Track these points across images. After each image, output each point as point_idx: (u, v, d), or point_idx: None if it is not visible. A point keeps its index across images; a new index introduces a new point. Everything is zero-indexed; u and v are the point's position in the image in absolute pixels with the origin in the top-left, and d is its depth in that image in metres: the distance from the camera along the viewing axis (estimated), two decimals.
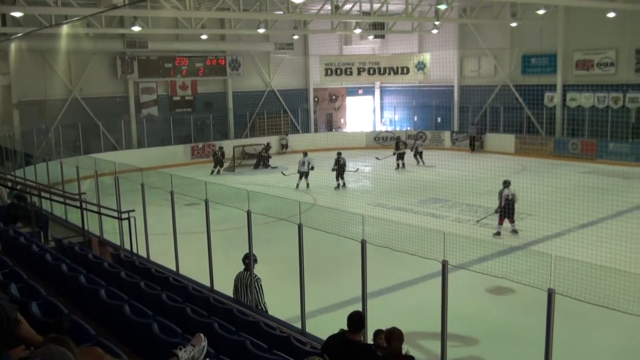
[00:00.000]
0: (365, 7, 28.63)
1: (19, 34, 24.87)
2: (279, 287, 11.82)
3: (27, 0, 20.44)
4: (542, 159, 31.45)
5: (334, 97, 41.25)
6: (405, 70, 38.90)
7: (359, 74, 39.46)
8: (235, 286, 10.97)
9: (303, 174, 25.84)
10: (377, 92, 42.21)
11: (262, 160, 31.88)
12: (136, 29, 25.40)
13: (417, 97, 39.56)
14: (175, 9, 22.44)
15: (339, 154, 25.64)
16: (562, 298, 6.96)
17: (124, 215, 13.71)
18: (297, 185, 25.76)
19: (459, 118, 37.82)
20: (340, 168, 25.31)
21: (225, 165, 31.44)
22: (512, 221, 18.16)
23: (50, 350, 3.90)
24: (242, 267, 10.88)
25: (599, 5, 26.09)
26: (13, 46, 27.96)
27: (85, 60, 31.22)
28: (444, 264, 7.85)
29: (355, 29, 32.79)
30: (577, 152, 31.48)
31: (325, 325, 8.14)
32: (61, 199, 16.44)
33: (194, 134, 34.90)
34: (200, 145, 34.38)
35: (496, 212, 18.33)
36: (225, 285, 11.36)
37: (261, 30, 29.63)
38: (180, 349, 4.80)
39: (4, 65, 28.40)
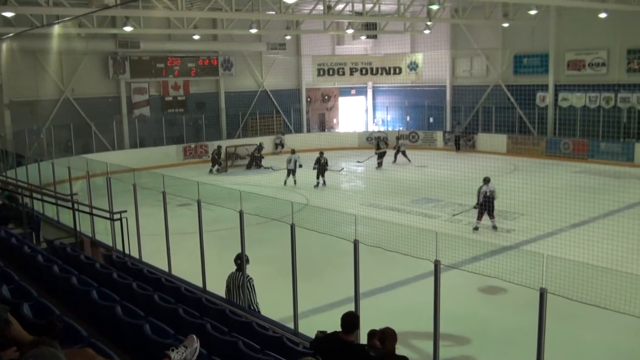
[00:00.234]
0: (358, 7, 28.65)
1: (10, 34, 24.79)
2: (272, 288, 11.81)
3: (18, 0, 20.36)
4: (534, 158, 31.55)
5: (326, 97, 41.26)
6: (397, 71, 38.93)
7: (351, 74, 39.46)
8: (228, 287, 10.96)
9: (290, 171, 26.58)
10: (370, 92, 42.25)
11: (254, 160, 31.86)
12: (128, 29, 25.33)
13: (410, 97, 39.60)
14: (167, 9, 22.38)
15: (321, 153, 26.42)
16: (555, 297, 6.97)
17: (116, 216, 13.69)
18: (285, 182, 26.65)
19: (452, 118, 37.90)
20: (321, 167, 26.15)
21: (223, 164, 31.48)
22: (492, 217, 18.51)
23: (42, 351, 3.89)
24: (234, 267, 10.87)
25: (591, 5, 26.17)
26: (4, 46, 27.85)
27: (77, 60, 31.13)
28: (436, 264, 7.86)
29: (347, 29, 32.82)
30: (569, 151, 31.58)
31: (318, 326, 8.13)
32: (53, 200, 16.40)
33: (187, 134, 34.82)
34: (193, 145, 34.31)
35: (475, 207, 18.77)
36: (217, 286, 11.34)
37: (253, 31, 29.60)
38: (173, 350, 4.79)
39: None
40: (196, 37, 32.42)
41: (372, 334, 7.07)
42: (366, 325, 7.36)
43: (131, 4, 20.80)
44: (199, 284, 11.70)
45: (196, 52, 34.96)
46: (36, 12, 22.54)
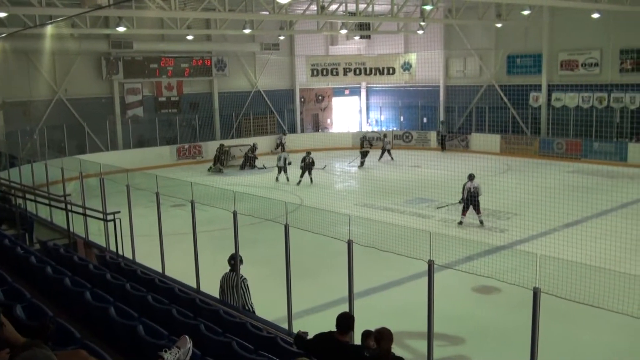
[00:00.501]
0: (351, 7, 28.66)
1: (3, 35, 24.68)
2: (266, 288, 11.79)
3: (11, 0, 20.29)
4: (528, 158, 31.61)
5: (320, 97, 41.26)
6: (391, 71, 38.95)
7: (345, 74, 39.45)
8: (222, 287, 10.94)
9: (281, 169, 27.74)
10: (363, 93, 42.28)
11: (248, 161, 31.82)
12: (121, 29, 25.27)
13: (403, 97, 39.66)
14: (160, 9, 22.33)
15: (308, 153, 27.27)
16: (549, 297, 6.99)
17: (110, 217, 13.65)
18: (277, 178, 27.89)
19: (445, 118, 37.96)
20: (306, 166, 26.94)
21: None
22: (478, 212, 19.03)
23: (34, 353, 3.87)
24: (228, 268, 10.85)
25: (584, 5, 26.25)
26: None
27: (70, 60, 31.04)
28: (430, 264, 7.87)
29: (341, 29, 32.83)
30: (562, 151, 31.67)
31: (312, 326, 8.13)
32: (46, 201, 16.34)
33: (180, 135, 34.77)
34: (186, 146, 34.27)
35: (460, 203, 19.32)
36: (211, 287, 11.33)
37: (247, 31, 29.56)
38: (166, 351, 4.78)
39: None
40: (189, 37, 32.39)
41: (366, 334, 7.07)
42: (361, 325, 7.36)
43: (124, 4, 20.76)
44: (193, 284, 11.68)
45: (189, 52, 34.92)
46: (29, 13, 22.47)
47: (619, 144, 29.80)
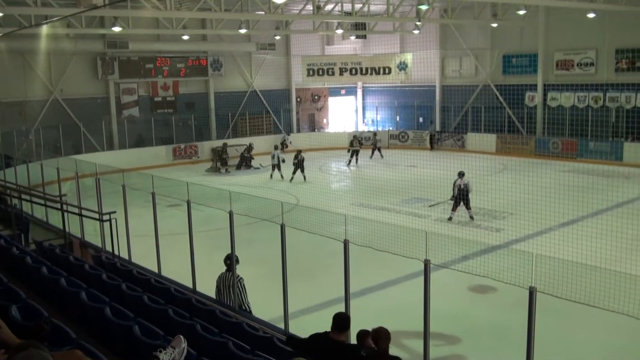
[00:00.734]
0: (347, 7, 28.64)
1: None
2: (262, 288, 11.79)
3: (6, 0, 20.24)
4: (523, 158, 31.66)
5: (316, 97, 41.26)
6: (387, 71, 38.95)
7: (341, 74, 39.45)
8: (218, 287, 10.93)
9: (275, 166, 28.41)
10: (360, 92, 42.29)
11: (244, 160, 31.81)
12: (117, 29, 25.23)
13: (399, 97, 39.69)
14: (155, 9, 22.30)
15: (299, 152, 28.15)
16: (544, 296, 7.00)
17: (105, 217, 13.62)
18: (271, 175, 28.56)
19: (441, 118, 38.01)
20: (298, 163, 27.74)
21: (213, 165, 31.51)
22: (468, 208, 19.54)
23: (30, 354, 3.86)
24: (224, 268, 10.84)
25: (579, 5, 26.29)
26: None
27: (65, 60, 30.99)
28: (426, 263, 7.87)
29: (337, 29, 32.83)
30: (558, 151, 31.72)
31: (309, 326, 8.13)
32: (42, 201, 16.32)
33: (176, 135, 34.73)
34: (182, 146, 34.23)
35: (451, 199, 19.71)
36: (207, 287, 11.32)
37: (243, 31, 29.53)
38: (161, 351, 4.78)
39: None
40: (185, 37, 32.34)
41: (362, 334, 7.06)
42: (357, 325, 7.36)
43: (119, 4, 20.73)
44: (189, 284, 11.67)
45: (185, 52, 34.88)
46: (24, 13, 22.41)
47: (614, 144, 29.86)
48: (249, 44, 36.47)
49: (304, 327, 9.22)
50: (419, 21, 30.35)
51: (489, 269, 8.84)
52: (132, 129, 33.51)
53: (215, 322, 8.21)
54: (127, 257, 13.53)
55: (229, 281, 10.58)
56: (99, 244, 14.13)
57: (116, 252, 13.53)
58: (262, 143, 35.71)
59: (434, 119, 38.02)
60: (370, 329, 7.05)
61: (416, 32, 34.54)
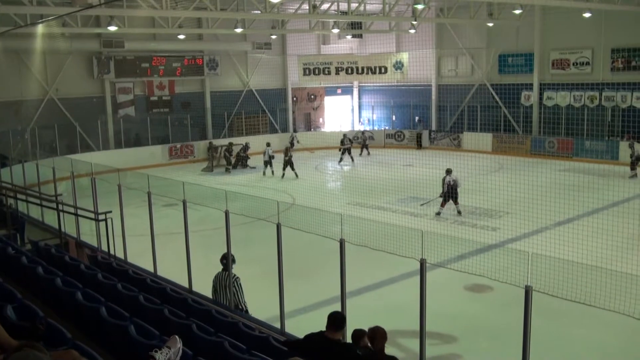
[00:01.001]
0: (343, 6, 28.64)
1: None
2: (258, 288, 11.77)
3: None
4: (520, 157, 31.68)
5: (312, 96, 41.25)
6: (383, 70, 38.95)
7: (337, 73, 39.43)
8: (214, 287, 10.92)
9: (266, 163, 29.24)
10: (356, 92, 42.30)
11: (240, 160, 31.79)
12: (112, 28, 25.19)
13: (395, 96, 39.71)
14: (151, 8, 22.27)
15: (287, 148, 29.06)
16: (540, 295, 7.00)
17: (101, 217, 13.61)
18: (264, 172, 29.33)
19: (437, 117, 38.04)
20: (288, 160, 28.39)
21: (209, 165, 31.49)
22: (456, 203, 20.13)
23: (26, 354, 3.85)
24: (220, 267, 10.83)
25: (575, 5, 26.32)
26: None
27: (61, 60, 30.92)
28: (422, 263, 7.86)
29: (333, 28, 32.83)
30: (554, 150, 31.77)
31: (305, 325, 8.12)
32: (37, 201, 16.29)
33: (172, 134, 34.69)
34: (178, 145, 34.20)
35: (440, 196, 20.24)
36: (204, 286, 11.30)
37: (239, 30, 29.53)
38: (156, 351, 4.77)
39: None
40: (181, 36, 32.29)
41: (358, 334, 7.06)
42: (353, 324, 7.36)
43: (115, 3, 20.71)
44: (185, 284, 11.65)
45: (181, 51, 34.83)
46: (20, 12, 22.36)
47: (610, 143, 29.90)
48: (245, 43, 36.44)
49: (300, 327, 9.22)
50: (415, 20, 30.46)
51: (485, 268, 8.84)
52: (128, 128, 33.48)
53: (211, 322, 8.20)
54: (122, 257, 13.53)
55: (225, 281, 10.56)
56: (95, 244, 14.11)
57: (112, 252, 13.53)
58: (258, 142, 35.71)
59: (422, 118, 38.25)
60: (366, 328, 7.06)
61: (412, 31, 34.64)
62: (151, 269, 12.65)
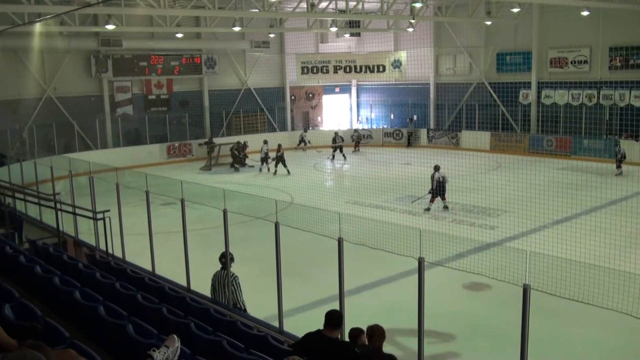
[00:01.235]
0: (341, 5, 28.63)
1: None
2: (256, 286, 11.77)
3: None
4: (518, 155, 31.69)
5: (310, 95, 41.23)
6: (381, 68, 38.96)
7: (335, 72, 39.43)
8: (213, 286, 10.92)
9: (262, 160, 29.97)
10: (354, 90, 42.27)
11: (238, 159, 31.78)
12: (110, 27, 25.13)
13: (394, 95, 39.70)
14: (149, 6, 22.25)
15: (280, 146, 29.24)
16: (539, 293, 7.01)
17: (99, 216, 13.60)
18: (260, 169, 30.04)
19: (436, 116, 38.04)
20: (279, 158, 29.14)
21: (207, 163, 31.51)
22: (443, 198, 20.69)
23: (24, 354, 3.85)
24: (219, 266, 10.83)
25: (573, 3, 26.34)
26: None
27: (59, 59, 30.87)
28: (420, 261, 7.87)
29: (331, 27, 32.80)
30: (552, 148, 31.78)
31: (303, 324, 8.13)
32: (35, 200, 16.28)
33: (170, 133, 34.67)
34: (177, 144, 34.17)
35: (429, 192, 20.70)
36: (202, 285, 11.30)
37: (237, 29, 29.50)
38: (154, 350, 4.76)
39: None
40: (179, 35, 32.25)
41: (355, 332, 7.06)
42: (352, 323, 7.36)
43: (113, 1, 20.71)
44: (183, 283, 11.65)
45: (179, 50, 34.78)
46: (18, 10, 22.31)
47: (608, 141, 29.91)
48: (243, 41, 36.42)
49: (298, 325, 9.23)
50: (413, 19, 30.43)
51: (483, 267, 8.85)
52: (126, 127, 33.42)
53: (210, 321, 8.20)
54: (121, 256, 13.52)
55: (224, 279, 10.57)
56: (93, 243, 14.10)
57: (110, 251, 13.51)
58: (256, 141, 35.70)
59: (413, 117, 38.32)
60: (364, 327, 7.06)
61: (410, 30, 34.67)
62: (149, 268, 12.66)
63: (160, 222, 14.42)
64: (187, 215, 11.83)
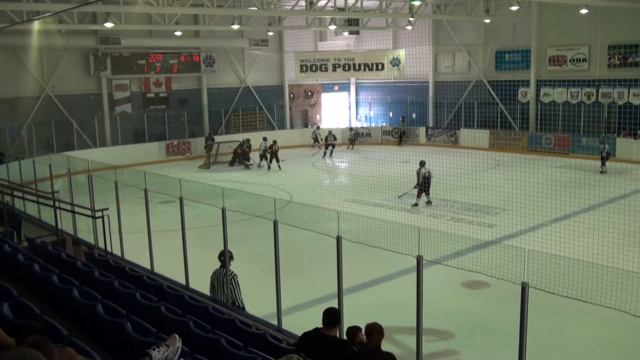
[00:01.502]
0: (340, 3, 28.61)
1: None
2: (255, 284, 11.78)
3: None
4: (516, 153, 31.74)
5: (309, 93, 41.21)
6: (380, 67, 38.95)
7: (334, 70, 39.42)
8: (212, 284, 10.93)
9: (261, 156, 30.44)
10: (353, 89, 42.26)
11: (237, 157, 31.77)
12: (109, 25, 25.10)
13: (392, 93, 39.68)
14: (148, 5, 22.22)
15: (274, 142, 29.96)
16: (537, 291, 7.01)
17: (98, 214, 13.59)
18: (259, 165, 30.57)
19: (434, 114, 38.04)
20: (273, 153, 29.85)
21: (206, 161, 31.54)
22: (427, 194, 21.17)
23: (22, 353, 3.84)
24: (218, 264, 10.84)
25: (572, 1, 26.34)
26: None
27: (57, 57, 30.85)
28: (419, 259, 7.87)
29: (329, 25, 32.77)
30: (551, 146, 31.79)
31: (302, 322, 8.13)
32: (34, 198, 16.26)
33: (169, 131, 34.65)
34: (175, 142, 34.17)
35: (415, 188, 21.19)
36: (201, 283, 11.30)
37: (235, 27, 29.46)
38: (154, 349, 4.76)
39: None
40: (178, 33, 32.20)
41: (352, 331, 7.06)
42: (350, 321, 7.37)
43: None
44: (182, 281, 11.65)
45: (178, 48, 34.75)
46: (16, 8, 22.31)
47: (607, 139, 29.88)
48: (242, 40, 36.41)
49: (297, 324, 9.24)
50: (412, 17, 30.40)
51: (482, 265, 8.86)
52: (125, 125, 33.39)
53: (208, 319, 8.20)
54: (119, 254, 13.51)
55: (223, 278, 10.57)
56: (92, 241, 14.09)
57: (109, 249, 13.51)
58: (256, 139, 35.68)
59: (403, 116, 38.45)
60: (363, 325, 7.06)
61: (409, 28, 34.64)
62: (148, 266, 12.66)
63: (159, 221, 14.41)
64: (186, 213, 11.83)
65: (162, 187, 14.10)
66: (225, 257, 10.56)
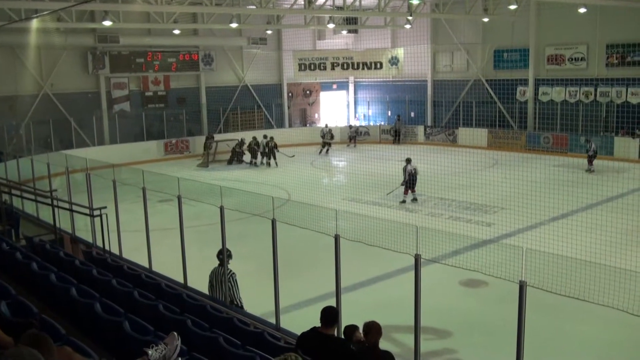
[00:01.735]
0: (338, 1, 28.60)
1: None
2: (253, 283, 11.79)
3: None
4: (515, 152, 31.77)
5: (307, 92, 41.20)
6: (378, 65, 38.95)
7: (332, 69, 39.40)
8: (211, 282, 10.94)
9: (262, 154, 31.12)
10: (351, 87, 42.24)
11: (235, 155, 31.77)
12: (107, 23, 25.08)
13: (391, 92, 39.68)
14: (146, 3, 22.23)
15: (271, 138, 30.81)
16: (535, 290, 7.01)
17: (96, 212, 13.59)
18: (260, 162, 31.15)
19: (433, 113, 38.04)
20: (270, 150, 30.56)
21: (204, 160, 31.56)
22: (413, 190, 21.46)
23: (21, 351, 3.84)
24: (216, 263, 10.84)
25: (570, 0, 26.33)
26: None
27: (56, 55, 30.83)
28: (417, 258, 7.87)
29: (328, 23, 32.75)
30: (549, 145, 31.80)
31: (300, 321, 8.13)
32: (32, 197, 16.25)
33: (167, 129, 34.63)
34: (174, 141, 34.15)
35: (402, 184, 21.48)
36: (199, 282, 11.31)
37: (234, 25, 29.39)
38: (152, 347, 4.75)
39: None
40: (176, 31, 32.09)
41: (349, 329, 7.06)
42: (348, 320, 7.36)
43: None
44: (180, 280, 11.65)
45: (176, 46, 34.72)
46: (14, 6, 22.29)
47: (605, 138, 29.94)
48: (240, 38, 36.36)
49: (295, 322, 9.24)
50: (411, 16, 30.37)
51: (480, 264, 8.87)
52: (123, 123, 33.35)
53: (206, 318, 8.21)
54: (117, 253, 13.51)
55: (222, 276, 10.58)
56: (90, 240, 14.10)
57: (107, 248, 13.51)
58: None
59: (402, 114, 38.45)
60: (361, 323, 7.06)
61: (408, 26, 34.53)
62: (146, 265, 12.65)
63: (157, 219, 14.39)
64: (184, 212, 11.83)
65: (161, 185, 14.09)
66: (223, 255, 10.57)
